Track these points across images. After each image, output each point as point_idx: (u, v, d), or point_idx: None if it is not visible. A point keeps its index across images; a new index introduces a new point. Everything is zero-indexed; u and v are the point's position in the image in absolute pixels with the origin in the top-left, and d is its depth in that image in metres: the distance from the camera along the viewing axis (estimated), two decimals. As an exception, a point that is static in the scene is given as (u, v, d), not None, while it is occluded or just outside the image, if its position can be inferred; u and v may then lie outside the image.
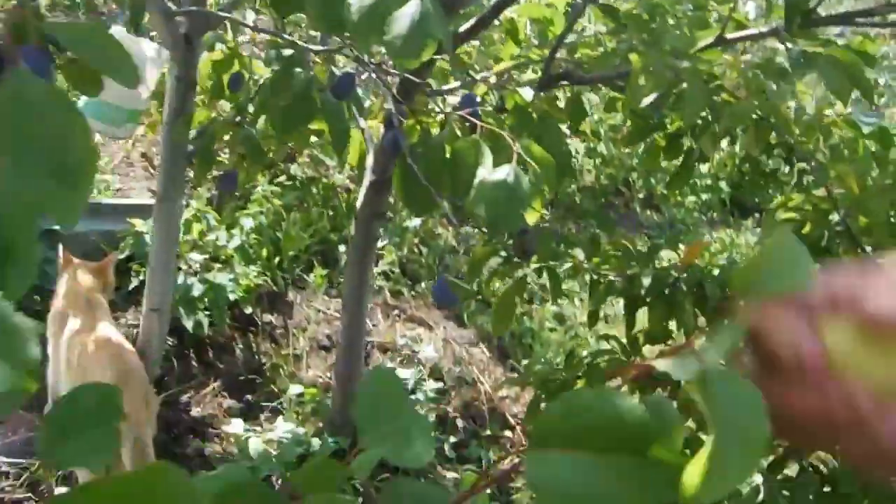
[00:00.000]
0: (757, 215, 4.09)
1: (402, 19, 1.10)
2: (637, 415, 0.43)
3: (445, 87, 2.14)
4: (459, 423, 2.33)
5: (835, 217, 1.49)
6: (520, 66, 2.19)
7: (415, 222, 3.19)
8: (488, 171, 1.47)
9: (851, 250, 1.43)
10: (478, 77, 2.17)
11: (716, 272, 1.50)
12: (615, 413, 0.43)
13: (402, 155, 1.58)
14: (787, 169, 1.95)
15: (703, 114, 1.73)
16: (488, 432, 2.32)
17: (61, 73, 0.83)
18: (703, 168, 3.93)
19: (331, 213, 3.21)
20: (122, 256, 2.57)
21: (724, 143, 2.23)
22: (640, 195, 4.14)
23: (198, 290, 2.48)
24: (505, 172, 1.42)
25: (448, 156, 1.58)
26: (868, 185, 1.45)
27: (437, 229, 3.26)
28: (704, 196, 4.29)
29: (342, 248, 3.04)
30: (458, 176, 1.55)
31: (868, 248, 1.45)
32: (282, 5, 1.52)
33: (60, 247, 2.17)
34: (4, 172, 0.68)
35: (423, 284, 2.94)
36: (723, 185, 4.23)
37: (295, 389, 2.28)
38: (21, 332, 0.53)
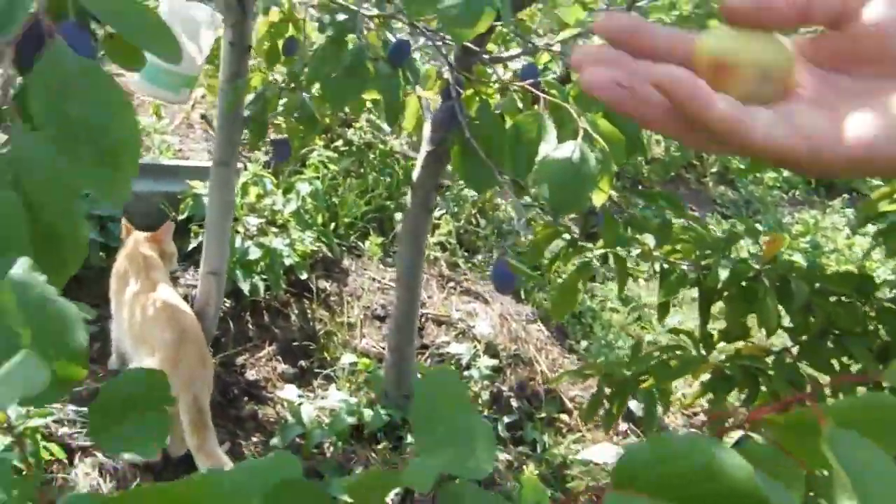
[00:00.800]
0: (847, 196, 3.78)
1: (454, -13, 1.01)
2: (743, 475, 0.37)
3: (506, 54, 2.03)
4: (514, 403, 2.26)
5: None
6: (587, 33, 2.06)
7: (473, 192, 3.10)
8: (552, 148, 1.38)
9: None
10: (540, 43, 2.05)
11: (803, 264, 1.37)
12: (714, 467, 0.38)
13: (460, 128, 1.51)
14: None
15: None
16: (543, 414, 2.25)
17: (103, 48, 0.78)
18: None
19: (387, 179, 3.16)
20: (181, 218, 2.59)
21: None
22: (714, 169, 3.92)
23: (254, 253, 2.48)
24: (570, 149, 1.33)
25: (508, 130, 1.50)
26: None
27: (496, 200, 3.18)
28: (786, 172, 4.03)
29: (398, 216, 2.98)
30: (519, 152, 1.46)
31: None
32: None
33: (123, 219, 2.20)
34: (44, 156, 0.63)
35: (479, 257, 2.87)
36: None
37: (348, 359, 2.26)
38: (67, 318, 0.50)
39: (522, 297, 2.62)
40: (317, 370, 2.27)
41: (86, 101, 0.66)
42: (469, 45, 1.82)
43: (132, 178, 0.71)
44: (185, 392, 1.76)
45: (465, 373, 2.28)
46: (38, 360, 0.43)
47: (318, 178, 2.91)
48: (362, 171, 3.21)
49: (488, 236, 2.98)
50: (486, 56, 1.92)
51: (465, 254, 2.85)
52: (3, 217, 0.57)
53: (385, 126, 3.48)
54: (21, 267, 0.54)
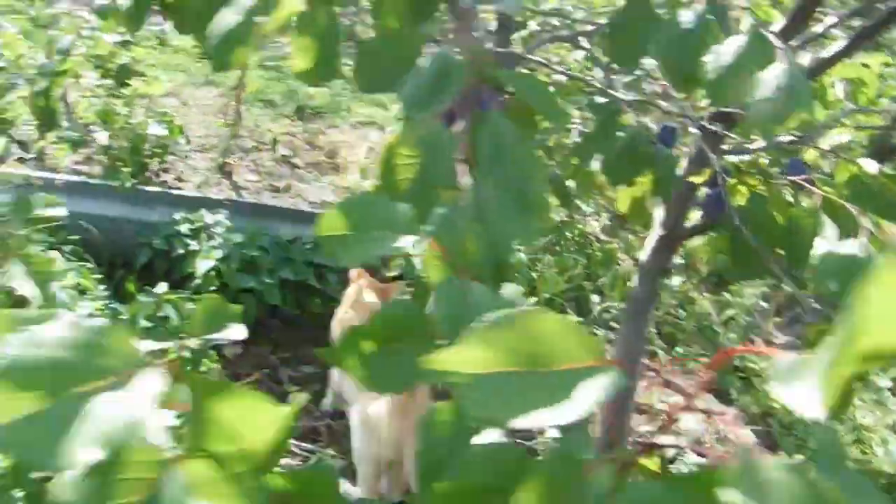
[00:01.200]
0: None
1: (767, 83, 1.03)
2: None
3: (754, 146, 2.02)
4: (721, 508, 2.12)
5: None
6: (853, 132, 2.01)
7: (674, 283, 3.05)
8: (831, 244, 1.35)
9: None
10: (785, 139, 2.02)
11: None
12: None
13: (728, 216, 1.51)
14: None
15: None
16: (753, 526, 2.09)
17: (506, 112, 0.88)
18: None
19: (584, 260, 3.17)
20: (390, 275, 2.73)
21: None
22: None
23: (462, 318, 2.55)
24: (856, 247, 1.29)
25: (782, 222, 1.49)
26: None
27: (691, 293, 3.09)
28: None
29: (595, 297, 2.98)
30: (794, 244, 1.45)
31: None
32: (625, 59, 1.52)
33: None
34: (492, 204, 0.72)
35: (679, 349, 2.78)
36: None
37: (552, 434, 2.24)
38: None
39: (733, 397, 2.49)
40: (518, 441, 2.26)
41: (515, 160, 0.76)
42: (719, 131, 1.83)
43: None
44: (410, 439, 1.82)
45: (671, 466, 2.18)
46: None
47: (520, 250, 2.98)
48: (557, 248, 3.25)
49: (686, 329, 2.89)
50: (727, 147, 1.92)
51: (664, 345, 2.78)
52: (478, 246, 0.65)
53: (584, 206, 3.53)
54: (511, 291, 0.60)
